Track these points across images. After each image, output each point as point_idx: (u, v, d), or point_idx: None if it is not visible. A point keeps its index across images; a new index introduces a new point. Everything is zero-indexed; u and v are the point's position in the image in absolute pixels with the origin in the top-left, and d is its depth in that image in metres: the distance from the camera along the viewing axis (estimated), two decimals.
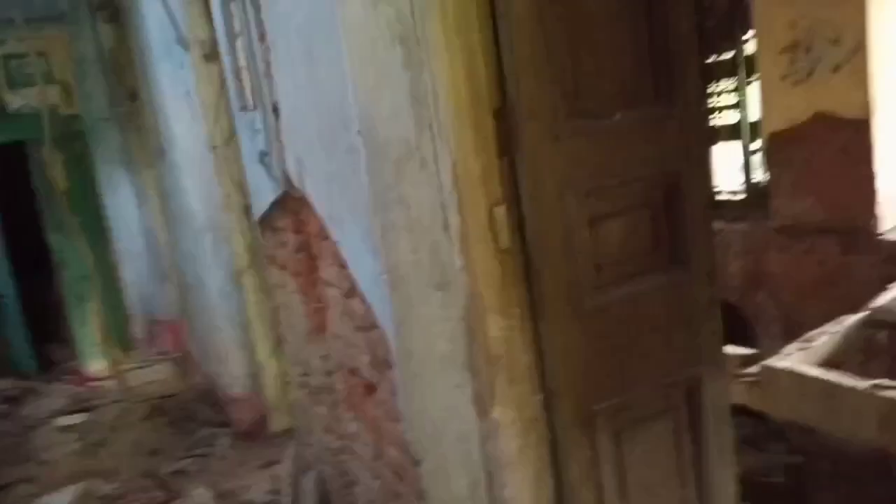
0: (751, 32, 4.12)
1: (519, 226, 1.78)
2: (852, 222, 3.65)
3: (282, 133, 2.34)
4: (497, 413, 1.78)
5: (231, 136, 4.05)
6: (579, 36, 1.80)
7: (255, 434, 4.29)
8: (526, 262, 1.80)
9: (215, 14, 2.52)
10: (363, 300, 2.04)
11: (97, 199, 6.33)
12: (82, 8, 6.24)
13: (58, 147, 6.14)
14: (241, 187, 4.12)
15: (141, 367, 5.78)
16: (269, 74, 2.31)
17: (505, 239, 1.78)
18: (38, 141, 6.14)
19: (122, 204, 6.49)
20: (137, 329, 6.58)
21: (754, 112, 4.23)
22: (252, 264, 4.19)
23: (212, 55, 3.87)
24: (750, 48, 4.17)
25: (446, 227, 1.79)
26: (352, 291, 2.12)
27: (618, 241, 1.90)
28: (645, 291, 1.90)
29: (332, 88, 1.89)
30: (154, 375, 5.69)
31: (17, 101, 6.30)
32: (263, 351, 4.24)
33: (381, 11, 1.76)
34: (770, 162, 4.05)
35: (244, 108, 2.46)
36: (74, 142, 6.31)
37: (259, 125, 2.39)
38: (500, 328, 1.79)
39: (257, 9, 2.20)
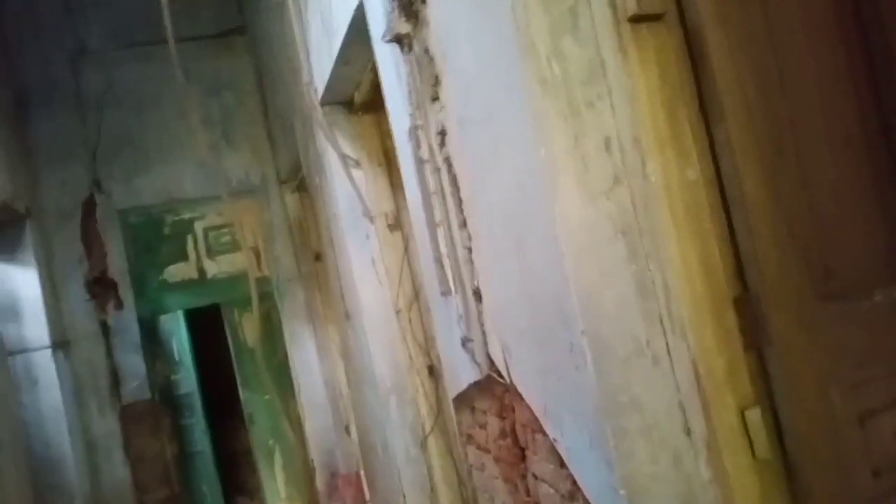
0: None
1: (777, 430, 1.56)
2: None
3: (484, 319, 2.29)
4: None
5: (413, 300, 4.13)
6: (823, 211, 1.63)
7: None
8: (788, 472, 1.56)
9: (413, 204, 2.60)
10: None
11: (283, 354, 6.66)
12: (271, 181, 6.89)
13: (248, 307, 6.61)
14: (425, 350, 4.14)
15: None
16: (470, 261, 2.30)
17: (762, 447, 1.55)
18: (230, 302, 6.66)
19: (306, 358, 6.77)
20: (318, 481, 6.65)
21: None
22: (436, 428, 4.12)
23: (395, 225, 4.05)
24: None
25: (689, 433, 1.60)
26: (573, 495, 1.94)
27: (895, 440, 1.61)
28: None
29: (547, 282, 1.82)
30: None
31: (214, 267, 6.94)
32: None
33: (600, 206, 1.69)
34: None
35: (444, 293, 2.46)
36: (263, 302, 6.77)
37: (460, 311, 2.36)
38: None
39: (458, 201, 2.23)
